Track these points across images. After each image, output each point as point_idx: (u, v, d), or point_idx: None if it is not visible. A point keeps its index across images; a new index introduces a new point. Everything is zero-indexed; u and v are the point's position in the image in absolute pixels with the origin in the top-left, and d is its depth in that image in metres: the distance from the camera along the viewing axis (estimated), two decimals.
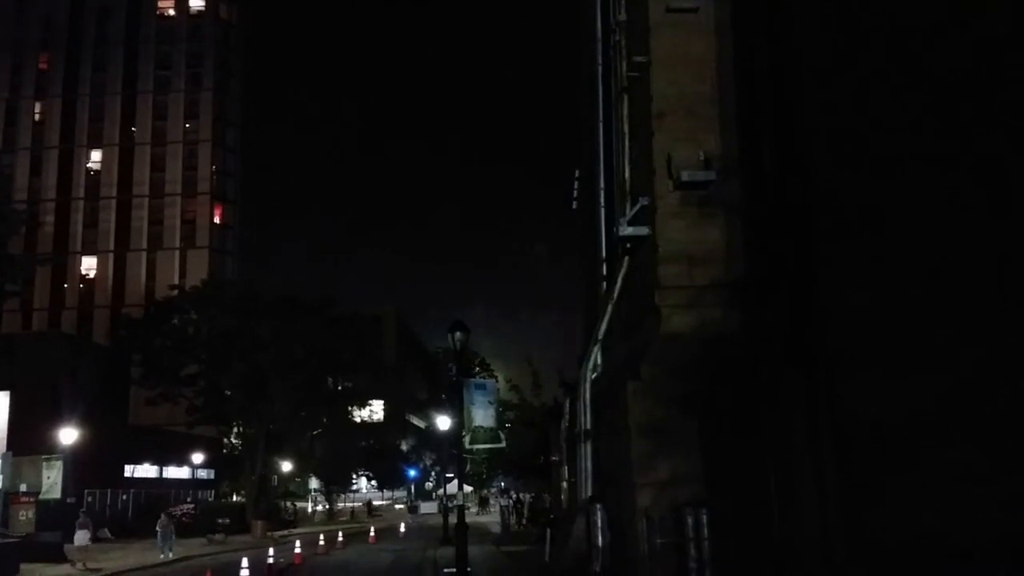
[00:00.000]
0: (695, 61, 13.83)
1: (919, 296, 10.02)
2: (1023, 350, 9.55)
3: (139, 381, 48.37)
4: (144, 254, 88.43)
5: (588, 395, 16.08)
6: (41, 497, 30.65)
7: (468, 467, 55.27)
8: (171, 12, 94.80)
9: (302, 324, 46.48)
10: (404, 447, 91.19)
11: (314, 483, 76.28)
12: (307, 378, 49.19)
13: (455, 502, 27.00)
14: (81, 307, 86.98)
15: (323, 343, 48.23)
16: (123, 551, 32.86)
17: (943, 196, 10.19)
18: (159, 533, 30.71)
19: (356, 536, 42.50)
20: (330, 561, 29.07)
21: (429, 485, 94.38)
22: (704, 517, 11.70)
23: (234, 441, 60.21)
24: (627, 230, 14.45)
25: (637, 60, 14.48)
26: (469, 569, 18.93)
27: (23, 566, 24.81)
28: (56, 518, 30.17)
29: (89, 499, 41.30)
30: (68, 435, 30.95)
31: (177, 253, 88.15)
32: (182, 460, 56.22)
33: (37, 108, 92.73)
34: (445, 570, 21.77)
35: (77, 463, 33.79)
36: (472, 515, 50.33)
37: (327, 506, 75.85)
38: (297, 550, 28.15)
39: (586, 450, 15.86)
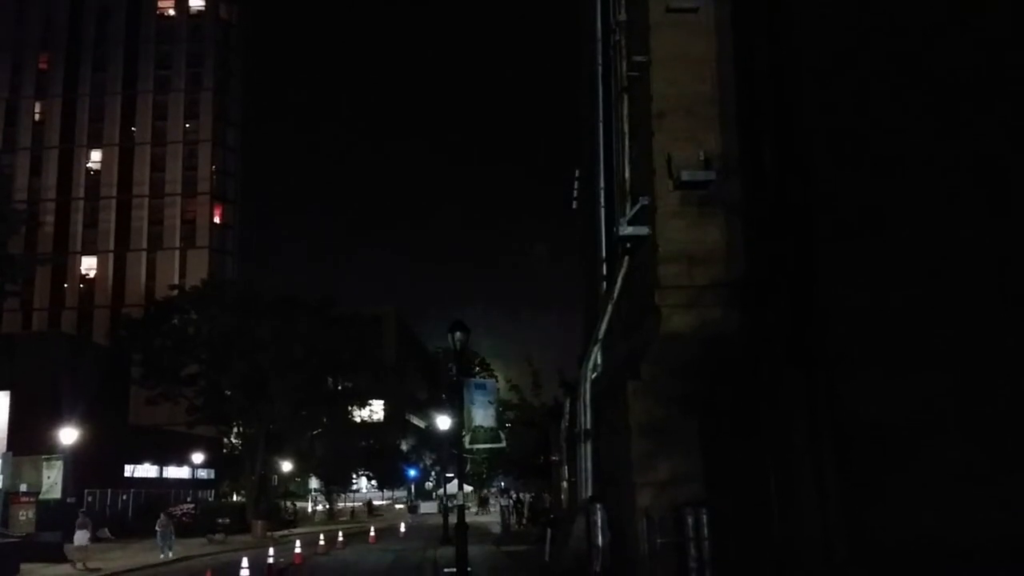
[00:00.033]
0: (695, 61, 13.83)
1: (919, 296, 10.03)
2: (1023, 350, 9.56)
3: (139, 381, 48.36)
4: (144, 254, 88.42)
5: (588, 395, 16.09)
6: (41, 497, 30.66)
7: (468, 467, 55.29)
8: (171, 12, 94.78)
9: (302, 324, 46.47)
10: (404, 447, 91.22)
11: (314, 483, 76.30)
12: (307, 378, 49.18)
13: (455, 502, 27.00)
14: (81, 307, 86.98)
15: (323, 343, 48.22)
16: (123, 551, 32.86)
17: (943, 196, 10.20)
18: (159, 533, 30.71)
19: (356, 536, 42.50)
20: (330, 561, 29.07)
21: (429, 485, 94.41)
22: (704, 517, 11.71)
23: (234, 441, 60.20)
24: (627, 230, 14.46)
25: (637, 60, 14.49)
26: (469, 569, 18.93)
27: (23, 566, 24.81)
28: (56, 518, 30.17)
29: (89, 499, 41.28)
30: (68, 435, 30.94)
31: (177, 253, 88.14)
32: (182, 460, 56.22)
33: (37, 108, 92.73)
34: (445, 570, 21.77)
35: (77, 463, 33.79)
36: (472, 515, 50.34)
37: (327, 506, 75.85)
38: (297, 550, 28.14)
39: (586, 450, 15.86)
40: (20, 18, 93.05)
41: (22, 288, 51.45)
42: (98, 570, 25.62)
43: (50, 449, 32.53)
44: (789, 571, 10.86)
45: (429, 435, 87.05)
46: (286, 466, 59.15)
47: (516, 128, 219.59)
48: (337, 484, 75.46)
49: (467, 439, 28.15)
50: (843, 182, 10.88)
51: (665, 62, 13.91)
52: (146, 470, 52.64)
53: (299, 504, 67.64)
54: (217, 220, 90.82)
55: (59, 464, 32.12)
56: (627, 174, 15.43)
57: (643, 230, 14.07)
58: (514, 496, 55.80)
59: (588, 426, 15.88)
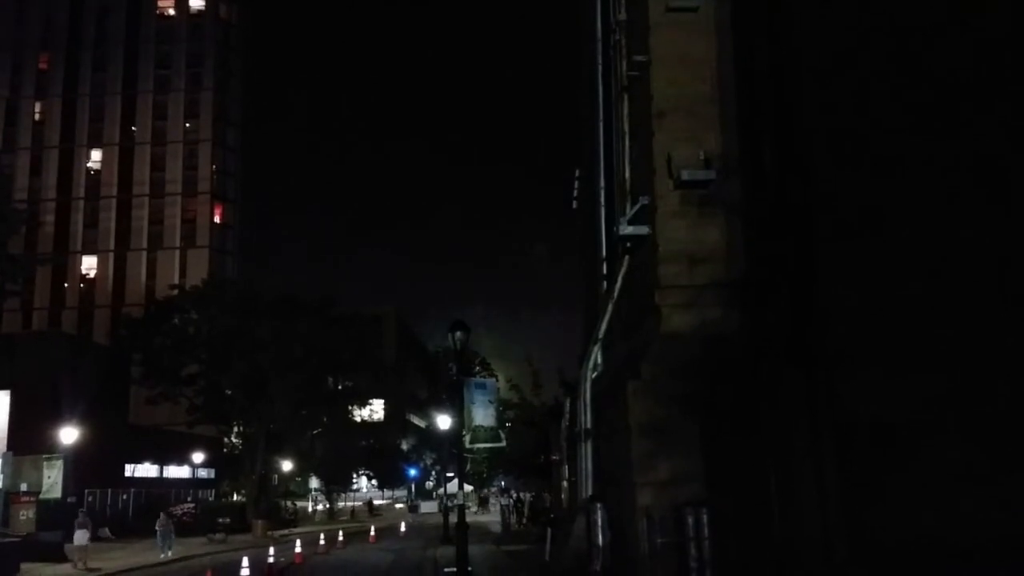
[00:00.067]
0: (695, 61, 13.83)
1: (919, 296, 10.03)
2: (1023, 350, 9.56)
3: (139, 380, 48.40)
4: (144, 254, 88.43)
5: (588, 394, 16.09)
6: (41, 497, 30.66)
7: (468, 466, 55.29)
8: (171, 12, 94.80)
9: (302, 324, 46.49)
10: (404, 446, 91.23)
11: (314, 482, 76.33)
12: (307, 378, 49.21)
13: (455, 501, 27.01)
14: (81, 307, 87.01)
15: (323, 343, 48.24)
16: (123, 551, 32.87)
17: (943, 196, 10.20)
18: (159, 532, 30.74)
19: (356, 535, 42.52)
20: (330, 560, 29.09)
21: (429, 484, 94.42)
22: (704, 517, 11.71)
23: (234, 440, 60.24)
24: (627, 229, 14.46)
25: (637, 59, 14.49)
26: (470, 568, 18.94)
27: (23, 565, 24.84)
28: (56, 518, 30.18)
29: (89, 499, 41.31)
30: (68, 434, 30.95)
31: (177, 253, 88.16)
32: (182, 459, 56.24)
33: (37, 108, 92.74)
34: (446, 569, 21.79)
35: (77, 462, 33.80)
36: (472, 514, 50.32)
37: (327, 505, 75.86)
38: (297, 549, 28.17)
39: (586, 449, 15.87)
40: (20, 18, 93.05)
41: (22, 288, 51.44)
42: (98, 570, 25.65)
43: (50, 449, 32.54)
44: (789, 571, 10.87)
45: (429, 435, 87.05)
46: (286, 466, 59.18)
47: (516, 128, 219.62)
48: (337, 484, 75.47)
49: (467, 438, 28.18)
50: (843, 182, 10.87)
51: (665, 62, 13.91)
52: (146, 470, 52.66)
53: (299, 504, 67.64)
54: (217, 220, 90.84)
55: (59, 464, 32.11)
56: (627, 174, 15.43)
57: (643, 230, 14.07)
58: (514, 496, 55.81)
59: (588, 426, 15.88)
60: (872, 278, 10.33)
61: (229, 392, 48.76)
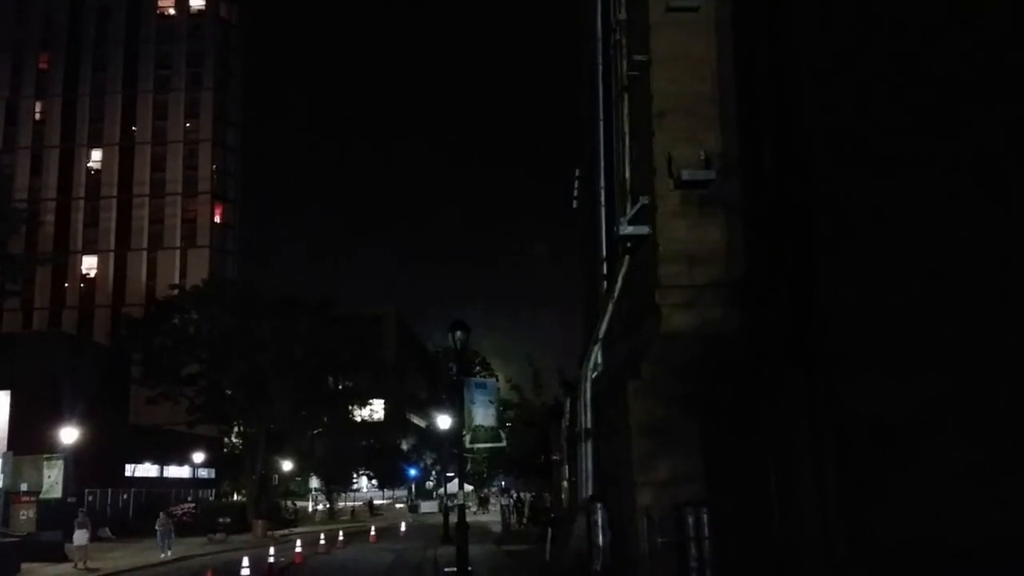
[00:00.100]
0: (695, 60, 13.84)
1: (919, 296, 10.03)
2: (1023, 350, 9.56)
3: (140, 380, 48.38)
4: (145, 253, 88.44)
5: (589, 394, 16.10)
6: (42, 496, 30.65)
7: (468, 466, 55.31)
8: (171, 12, 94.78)
9: (302, 324, 46.48)
10: (405, 446, 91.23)
11: (315, 482, 76.34)
12: (307, 378, 49.21)
13: (455, 501, 26.99)
14: (82, 306, 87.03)
15: (323, 343, 48.24)
16: (123, 550, 32.88)
17: (943, 196, 10.20)
18: (159, 532, 30.74)
19: (357, 535, 42.53)
20: (331, 560, 29.09)
21: (430, 484, 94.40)
22: (705, 516, 11.72)
23: (235, 440, 60.25)
24: (627, 229, 14.47)
25: (637, 59, 14.50)
26: (470, 568, 18.94)
27: (24, 565, 24.84)
28: (57, 517, 30.17)
29: (90, 498, 41.30)
30: (69, 434, 30.95)
31: (178, 252, 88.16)
32: (183, 459, 56.25)
33: (37, 108, 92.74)
34: (446, 569, 21.79)
35: (78, 462, 33.79)
36: (472, 514, 50.35)
37: (328, 505, 75.88)
38: (298, 549, 28.17)
39: (587, 449, 15.88)
40: (20, 18, 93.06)
41: (23, 288, 51.40)
42: (98, 570, 25.64)
43: (51, 448, 32.54)
44: (789, 571, 10.87)
45: (429, 434, 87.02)
46: (287, 465, 59.18)
47: (516, 128, 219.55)
48: (338, 483, 75.49)
49: (467, 438, 28.15)
50: (843, 182, 10.88)
51: (665, 61, 13.92)
52: (147, 469, 52.67)
53: (300, 503, 67.68)
54: (217, 220, 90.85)
55: (60, 463, 32.11)
56: (627, 173, 15.44)
57: (643, 229, 14.08)
58: (514, 495, 55.83)
59: (588, 425, 15.89)
60: (872, 278, 10.34)
61: (229, 392, 48.75)
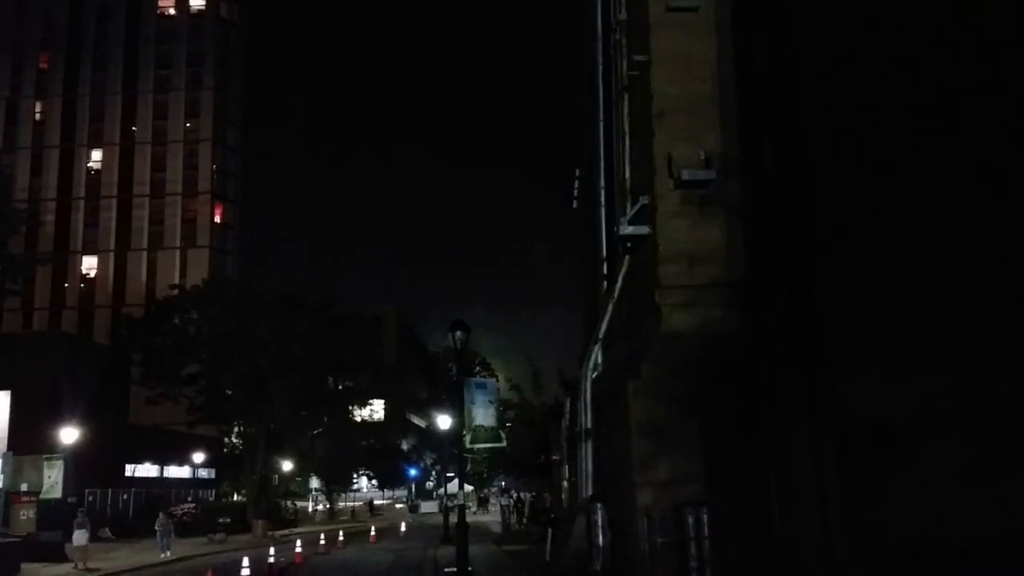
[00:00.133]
0: (695, 60, 13.83)
1: (919, 296, 10.03)
2: (1023, 350, 9.56)
3: (140, 380, 48.38)
4: (145, 253, 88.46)
5: (589, 394, 16.09)
6: (42, 497, 30.66)
7: (469, 466, 55.29)
8: (171, 11, 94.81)
9: (302, 324, 46.49)
10: (405, 446, 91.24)
11: (315, 482, 76.32)
12: (307, 378, 49.20)
13: (455, 501, 26.99)
14: (82, 306, 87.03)
15: (323, 343, 48.24)
16: (123, 550, 32.88)
17: (943, 196, 10.21)
18: (158, 532, 30.74)
19: (357, 535, 42.53)
20: (331, 560, 29.09)
21: (430, 484, 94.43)
22: (705, 516, 11.71)
23: (235, 440, 60.24)
24: (627, 229, 14.47)
25: (637, 59, 14.49)
26: (470, 568, 18.94)
27: (24, 565, 24.83)
28: (57, 518, 30.17)
29: (90, 498, 41.30)
30: (69, 434, 30.95)
31: (178, 252, 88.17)
32: (183, 459, 56.24)
33: (38, 108, 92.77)
34: (446, 569, 21.79)
35: (78, 462, 33.79)
36: (471, 515, 50.35)
37: (328, 505, 75.88)
38: (298, 549, 28.17)
39: (587, 449, 15.87)
40: (20, 18, 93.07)
41: (23, 288, 51.36)
42: (98, 570, 25.64)
43: (51, 449, 32.54)
44: (789, 571, 10.87)
45: (430, 435, 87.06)
46: (287, 466, 59.18)
47: (516, 128, 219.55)
48: (338, 484, 75.49)
49: (468, 438, 28.19)
50: (843, 182, 10.88)
51: (665, 61, 13.92)
52: (147, 470, 52.67)
53: (300, 504, 67.66)
54: (217, 220, 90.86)
55: (60, 464, 32.11)
56: (627, 173, 15.44)
57: (643, 229, 14.08)
58: (515, 495, 55.83)
59: (589, 425, 15.89)
60: (872, 278, 10.34)
61: (229, 392, 48.75)
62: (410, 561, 27.74)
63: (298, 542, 29.80)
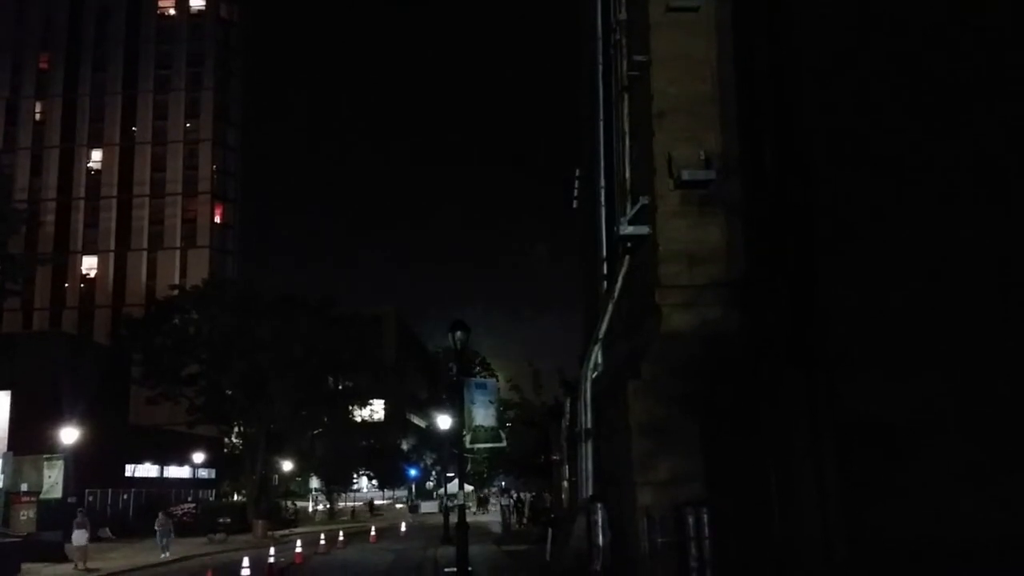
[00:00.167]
0: (695, 60, 13.84)
1: (919, 296, 10.03)
2: (1023, 350, 9.57)
3: (140, 380, 48.39)
4: (145, 254, 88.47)
5: (589, 394, 16.10)
6: (42, 497, 30.65)
7: (469, 466, 55.30)
8: (171, 12, 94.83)
9: (302, 324, 46.50)
10: (405, 446, 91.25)
11: (315, 482, 76.33)
12: (307, 378, 49.21)
13: (455, 501, 26.98)
14: (82, 306, 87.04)
15: (323, 343, 48.25)
16: (123, 550, 32.88)
17: (943, 196, 10.21)
18: (158, 532, 30.74)
19: (357, 535, 42.54)
20: (331, 560, 29.09)
21: (430, 484, 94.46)
22: (705, 516, 11.72)
23: (235, 440, 60.24)
24: (627, 229, 14.47)
25: (637, 59, 14.50)
26: (470, 568, 18.94)
27: (24, 565, 24.83)
28: (57, 518, 30.17)
29: (90, 499, 41.31)
30: (69, 434, 30.95)
31: (178, 253, 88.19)
32: (183, 459, 56.24)
33: (38, 108, 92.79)
34: (446, 569, 21.79)
35: (78, 462, 33.79)
36: (471, 515, 50.37)
37: (328, 505, 75.89)
38: (298, 549, 28.18)
39: (587, 449, 15.87)
40: (20, 18, 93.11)
41: (23, 288, 51.45)
42: (97, 570, 25.63)
43: (51, 449, 32.53)
44: (789, 571, 10.87)
45: (430, 435, 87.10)
46: (287, 466, 59.19)
47: (516, 128, 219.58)
48: (338, 484, 75.50)
49: (468, 439, 28.14)
50: (843, 182, 10.88)
51: (665, 61, 13.92)
52: (147, 470, 52.67)
53: (300, 504, 67.68)
54: (218, 220, 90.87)
55: (60, 464, 32.11)
56: (627, 173, 15.44)
57: (643, 229, 14.08)
58: (515, 495, 55.85)
59: (589, 425, 15.89)
60: (872, 278, 10.34)
61: (229, 392, 48.76)
62: (410, 561, 27.74)
63: (298, 542, 29.81)
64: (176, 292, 53.20)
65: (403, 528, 47.50)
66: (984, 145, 10.18)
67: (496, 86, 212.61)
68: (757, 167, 12.85)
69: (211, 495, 58.88)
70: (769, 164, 12.42)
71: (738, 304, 12.93)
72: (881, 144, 10.67)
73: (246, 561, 21.35)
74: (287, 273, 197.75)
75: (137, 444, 50.33)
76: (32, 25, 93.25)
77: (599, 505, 13.52)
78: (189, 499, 53.00)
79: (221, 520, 41.64)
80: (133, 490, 49.01)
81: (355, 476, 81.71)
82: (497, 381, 49.17)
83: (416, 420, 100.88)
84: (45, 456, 32.43)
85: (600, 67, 17.44)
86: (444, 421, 45.14)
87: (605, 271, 17.07)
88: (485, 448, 36.29)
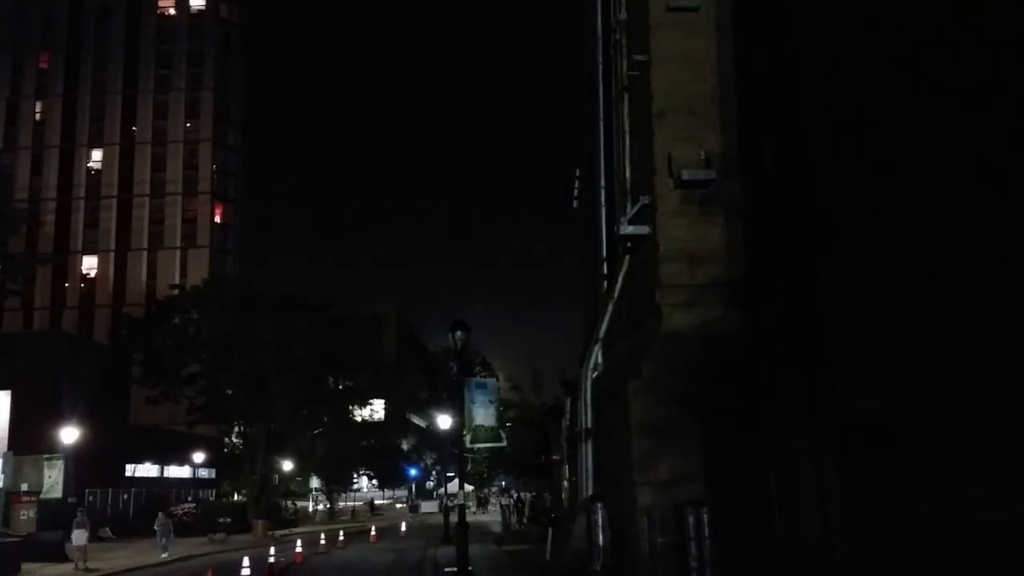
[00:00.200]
0: (695, 60, 13.85)
1: (919, 296, 10.03)
2: (1023, 350, 9.56)
3: (140, 380, 48.41)
4: (145, 253, 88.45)
5: (589, 394, 16.10)
6: (42, 496, 30.67)
7: (469, 466, 55.33)
8: (171, 11, 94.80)
9: (302, 323, 46.51)
10: (405, 446, 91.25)
11: (315, 482, 76.32)
12: (308, 377, 49.22)
13: (455, 501, 26.98)
14: (82, 306, 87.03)
15: (323, 342, 48.26)
16: (123, 550, 32.87)
17: (943, 196, 10.20)
18: (158, 532, 30.74)
19: (357, 535, 42.53)
20: (331, 560, 29.09)
21: (430, 484, 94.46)
22: (705, 516, 11.72)
23: (235, 440, 60.24)
24: (628, 229, 14.48)
25: (638, 59, 14.51)
26: (470, 568, 18.94)
27: (24, 565, 24.82)
28: (57, 517, 30.17)
29: (90, 498, 41.31)
30: (69, 434, 30.94)
31: (178, 252, 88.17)
32: (183, 459, 56.23)
33: (38, 107, 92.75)
34: (446, 569, 21.79)
35: (78, 462, 33.81)
36: (471, 514, 50.38)
37: (328, 505, 75.89)
38: (298, 549, 28.17)
39: (587, 449, 15.88)
40: (20, 18, 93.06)
41: (23, 287, 51.38)
42: (97, 570, 25.63)
43: (51, 448, 32.55)
44: (789, 571, 10.88)
45: (430, 434, 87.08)
46: (287, 465, 59.18)
47: (516, 128, 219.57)
48: (338, 483, 75.48)
49: (468, 438, 28.18)
50: (843, 182, 10.88)
51: (666, 61, 13.93)
52: (147, 469, 52.67)
53: (300, 503, 67.71)
54: (218, 219, 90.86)
55: (60, 463, 32.13)
56: (628, 173, 15.45)
57: (644, 229, 14.09)
58: (515, 495, 55.87)
59: (589, 425, 15.90)
60: (872, 278, 10.34)
61: (230, 392, 48.77)
62: (410, 561, 27.73)
63: (298, 542, 29.80)
64: (176, 292, 53.21)
65: (403, 528, 47.49)
66: (984, 145, 10.18)
67: (496, 86, 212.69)
68: (757, 167, 12.85)
69: (211, 495, 58.87)
70: (769, 164, 12.42)
71: (738, 304, 12.94)
72: (881, 144, 10.67)
73: (246, 561, 21.35)
74: (287, 273, 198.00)
75: (137, 444, 50.33)
76: (32, 25, 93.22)
77: (599, 505, 13.54)
78: (189, 499, 52.99)
79: (221, 520, 41.63)
80: (133, 490, 49.01)
81: (355, 476, 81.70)
82: (497, 381, 49.20)
83: (416, 420, 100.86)
84: (45, 456, 32.45)
85: (600, 67, 17.45)
86: (444, 421, 45.16)
87: (605, 271, 17.07)
88: (485, 448, 36.34)
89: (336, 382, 58.10)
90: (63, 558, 27.60)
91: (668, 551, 12.04)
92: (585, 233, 20.87)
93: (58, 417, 33.07)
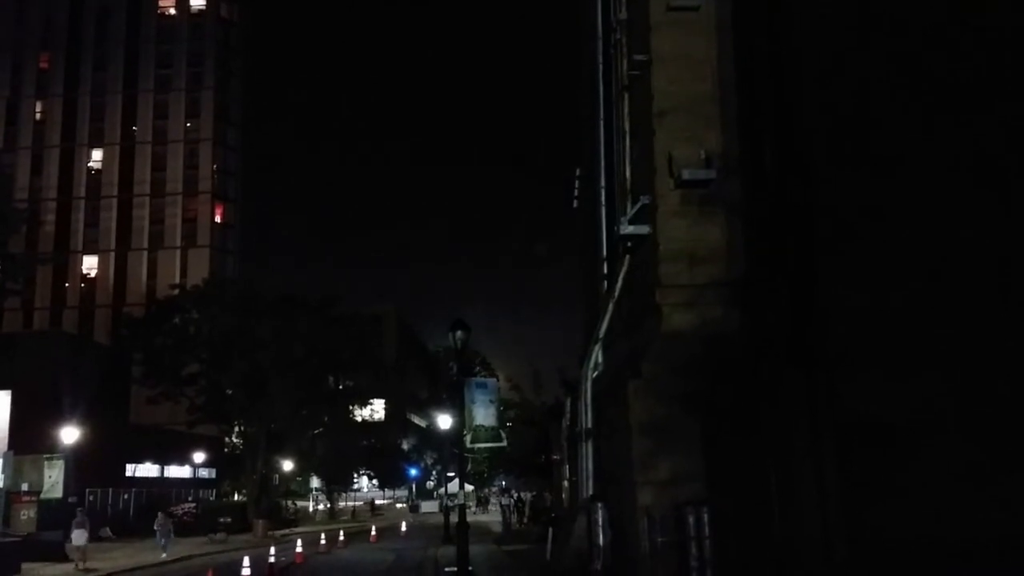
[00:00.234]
0: (696, 60, 13.85)
1: (919, 296, 10.03)
2: (1023, 350, 9.56)
3: (140, 380, 48.41)
4: (145, 253, 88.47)
5: (589, 394, 16.10)
6: (42, 496, 30.62)
7: (469, 466, 55.31)
8: (172, 11, 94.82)
9: (302, 323, 46.51)
10: (405, 446, 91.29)
11: (315, 482, 76.34)
12: (308, 377, 49.23)
13: (456, 501, 26.98)
14: (82, 306, 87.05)
15: (323, 342, 48.26)
16: (123, 550, 32.88)
17: (943, 196, 10.20)
18: (158, 532, 30.74)
19: (357, 535, 42.54)
20: (332, 560, 29.10)
21: (430, 484, 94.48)
22: (705, 516, 11.73)
23: (235, 440, 60.27)
24: (628, 229, 14.48)
25: (638, 58, 14.51)
26: (470, 568, 18.95)
27: (24, 565, 24.82)
28: (57, 517, 30.14)
29: (91, 498, 41.30)
30: (69, 434, 30.92)
31: (178, 252, 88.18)
32: (183, 459, 56.22)
33: (38, 107, 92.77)
34: (446, 569, 21.80)
35: (78, 462, 33.75)
36: (471, 514, 50.38)
37: (328, 505, 75.91)
38: (298, 549, 28.18)
39: (587, 449, 15.88)
40: (20, 18, 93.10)
41: (23, 287, 51.30)
42: (97, 570, 25.63)
43: (51, 448, 32.51)
44: (789, 571, 10.88)
45: (430, 434, 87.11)
46: (287, 465, 59.20)
47: (516, 128, 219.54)
48: (338, 483, 75.51)
49: (468, 438, 28.16)
50: (843, 182, 10.88)
51: (666, 61, 13.93)
52: (147, 469, 52.66)
53: (300, 503, 67.72)
54: (218, 219, 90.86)
55: (60, 463, 32.08)
56: (628, 173, 15.45)
57: (644, 229, 14.09)
58: (515, 495, 55.87)
59: (589, 425, 15.90)
60: (872, 278, 10.34)
61: (230, 391, 48.78)
62: (411, 561, 27.75)
63: (299, 542, 29.81)
64: (176, 292, 53.23)
65: (403, 528, 47.51)
66: (984, 145, 10.18)
67: (496, 86, 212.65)
68: (757, 167, 12.85)
69: (211, 495, 58.87)
70: (769, 164, 12.42)
71: (738, 304, 12.94)
72: (881, 144, 10.67)
73: (246, 561, 21.36)
74: (287, 273, 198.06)
75: (137, 444, 50.32)
76: (32, 25, 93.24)
77: (599, 505, 13.54)
78: (189, 499, 52.99)
79: (221, 520, 41.65)
80: (133, 490, 49.00)
81: (355, 476, 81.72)
82: (497, 381, 49.18)
83: (416, 420, 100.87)
84: (45, 456, 32.40)
85: (600, 67, 17.45)
86: (444, 421, 45.14)
87: (605, 271, 17.07)
88: (485, 448, 36.32)
89: (336, 382, 58.13)
90: (63, 558, 27.60)
91: (668, 551, 12.04)
92: (585, 233, 20.87)
93: (58, 417, 33.05)
